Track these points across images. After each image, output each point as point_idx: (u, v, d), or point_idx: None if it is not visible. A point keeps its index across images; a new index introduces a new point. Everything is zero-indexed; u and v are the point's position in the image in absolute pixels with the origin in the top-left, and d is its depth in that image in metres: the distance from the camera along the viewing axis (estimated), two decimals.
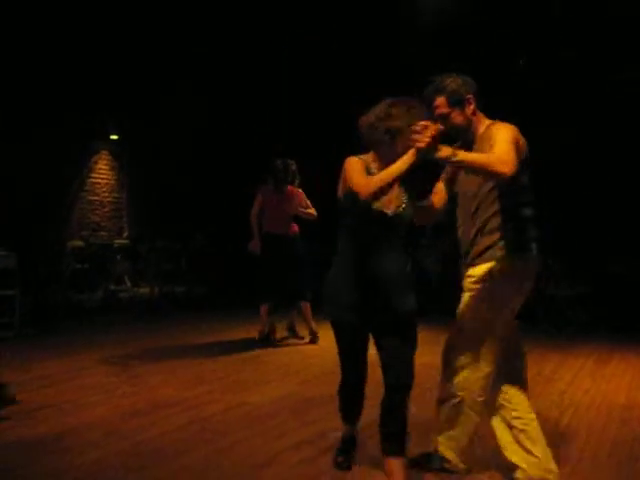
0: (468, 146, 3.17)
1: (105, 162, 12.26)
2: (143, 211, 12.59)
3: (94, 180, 12.04)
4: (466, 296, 3.22)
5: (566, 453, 3.66)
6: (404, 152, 2.85)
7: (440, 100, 3.16)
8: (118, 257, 10.96)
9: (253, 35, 10.67)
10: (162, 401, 4.50)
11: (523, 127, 3.20)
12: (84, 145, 11.62)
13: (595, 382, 5.50)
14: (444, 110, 3.15)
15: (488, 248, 3.15)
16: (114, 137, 12.07)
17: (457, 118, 3.16)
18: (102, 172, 12.20)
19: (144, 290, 10.86)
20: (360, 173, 2.95)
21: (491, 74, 9.72)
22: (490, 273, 3.12)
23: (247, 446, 3.67)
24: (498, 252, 3.13)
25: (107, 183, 12.32)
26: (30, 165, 10.01)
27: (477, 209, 3.19)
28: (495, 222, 3.15)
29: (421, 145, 2.75)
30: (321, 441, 3.76)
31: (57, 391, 4.70)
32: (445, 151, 2.79)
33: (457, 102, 3.15)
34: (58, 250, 10.21)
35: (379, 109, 3.03)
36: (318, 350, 6.65)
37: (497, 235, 3.14)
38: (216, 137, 12.44)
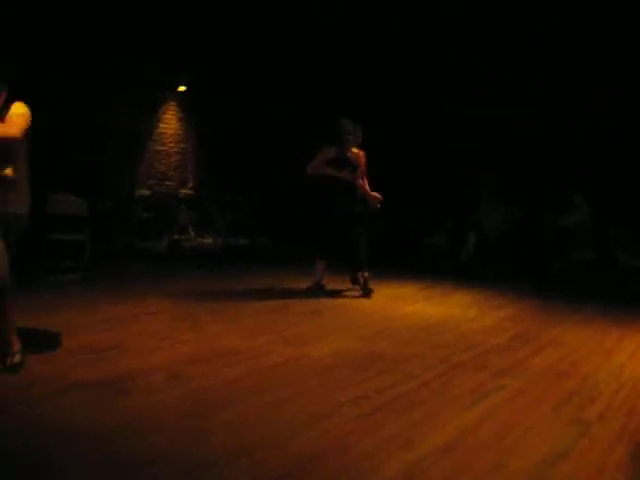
0: None
1: (172, 113, 12.36)
2: (208, 162, 12.69)
3: (161, 130, 12.17)
4: None
5: (624, 426, 3.54)
6: None
7: None
8: (183, 207, 11.09)
9: None
10: (223, 349, 4.55)
11: None
12: (154, 96, 11.72)
13: None
14: None
15: None
16: (182, 89, 12.13)
17: None
18: (169, 122, 12.32)
19: (207, 240, 11.00)
20: None
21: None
22: None
23: (306, 397, 3.67)
24: None
25: (173, 133, 12.43)
26: (101, 116, 10.18)
27: None
28: None
29: None
30: (379, 397, 3.74)
31: (120, 334, 4.77)
32: None
33: None
34: (126, 198, 10.39)
35: None
36: (377, 307, 6.61)
37: None
38: (282, 90, 12.35)
